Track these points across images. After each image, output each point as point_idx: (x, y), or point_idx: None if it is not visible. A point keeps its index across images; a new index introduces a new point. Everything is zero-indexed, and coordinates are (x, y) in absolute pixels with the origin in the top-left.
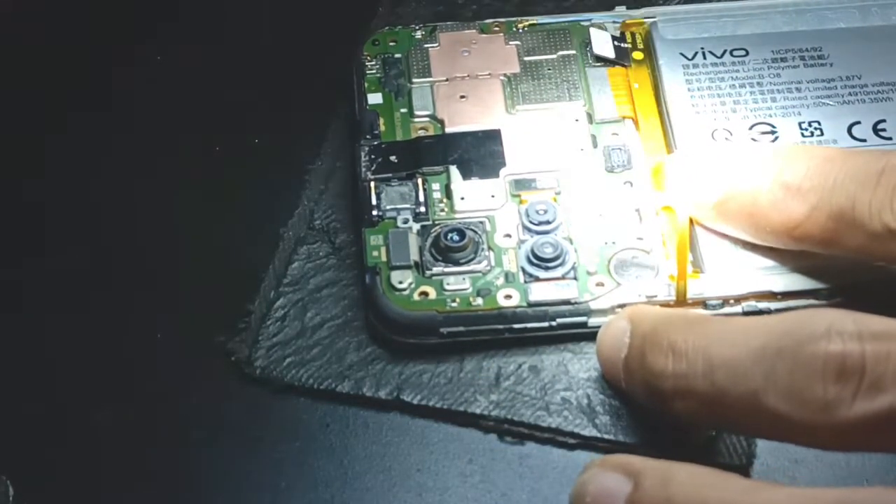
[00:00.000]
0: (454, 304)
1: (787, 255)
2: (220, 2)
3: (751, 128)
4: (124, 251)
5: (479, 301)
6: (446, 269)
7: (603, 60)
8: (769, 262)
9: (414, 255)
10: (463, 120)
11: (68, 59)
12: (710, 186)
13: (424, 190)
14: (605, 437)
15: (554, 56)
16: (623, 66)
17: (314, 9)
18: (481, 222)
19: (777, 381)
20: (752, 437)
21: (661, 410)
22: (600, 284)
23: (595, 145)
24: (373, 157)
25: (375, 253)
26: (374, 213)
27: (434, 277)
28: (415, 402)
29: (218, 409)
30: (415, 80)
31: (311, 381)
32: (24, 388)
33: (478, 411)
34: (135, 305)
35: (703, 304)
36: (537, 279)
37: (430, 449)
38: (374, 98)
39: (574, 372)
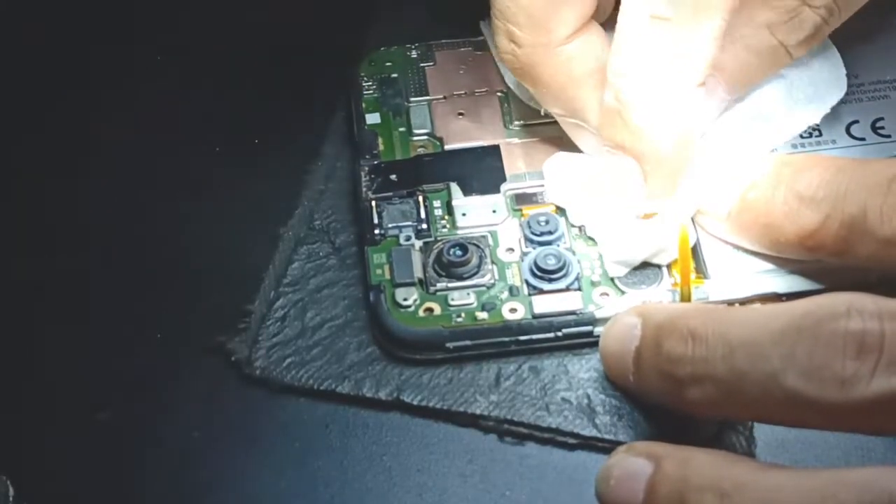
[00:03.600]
0: (459, 319)
1: (791, 258)
2: (220, 3)
3: None
4: (124, 251)
5: (485, 315)
6: (450, 285)
7: None
8: (772, 265)
9: (417, 272)
10: (462, 137)
11: (68, 59)
12: (723, 198)
13: (426, 207)
14: (605, 437)
15: None
16: None
17: (314, 9)
18: (483, 237)
19: (796, 360)
20: (766, 422)
21: (673, 401)
22: (605, 294)
23: None
24: (373, 176)
25: (379, 271)
26: (377, 231)
27: (438, 293)
28: (415, 402)
29: (218, 409)
30: (412, 98)
31: (311, 381)
32: (24, 387)
33: (478, 411)
34: (135, 305)
35: None
36: (541, 291)
37: (430, 449)
38: (373, 118)
39: (574, 372)
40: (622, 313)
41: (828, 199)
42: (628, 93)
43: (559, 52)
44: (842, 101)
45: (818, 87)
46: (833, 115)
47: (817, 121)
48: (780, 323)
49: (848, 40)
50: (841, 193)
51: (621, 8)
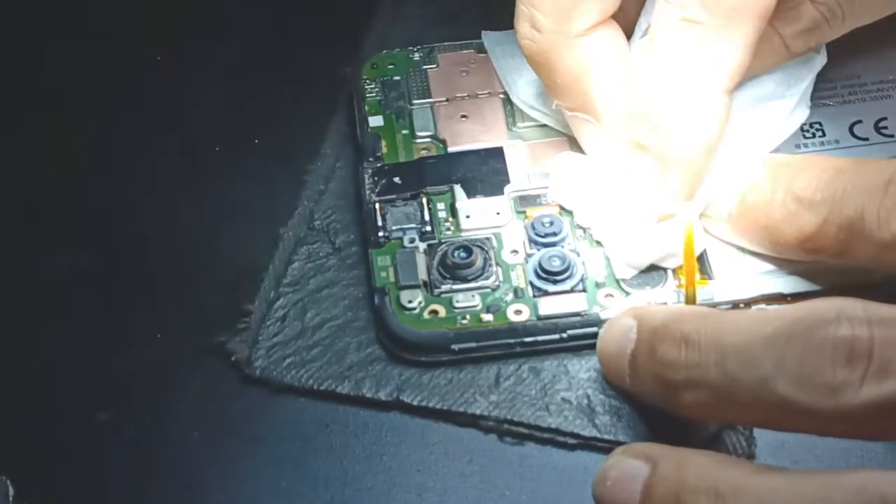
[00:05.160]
0: (465, 321)
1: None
2: (221, 3)
3: None
4: (124, 251)
5: (490, 317)
6: (455, 287)
7: None
8: (777, 266)
9: (422, 275)
10: (465, 139)
11: (68, 59)
12: (723, 200)
13: (429, 209)
14: (605, 437)
15: None
16: None
17: (315, 10)
18: (488, 239)
19: (787, 366)
20: (759, 427)
21: (668, 404)
22: (609, 296)
23: None
24: (376, 178)
25: (384, 273)
26: (381, 234)
27: (443, 295)
28: (415, 402)
29: (218, 409)
30: (415, 101)
31: (311, 381)
32: (24, 388)
33: (478, 412)
34: (135, 305)
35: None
36: (546, 293)
37: (430, 449)
38: (375, 121)
39: (574, 372)
40: (619, 315)
41: (825, 202)
42: (657, 95)
43: (578, 42)
44: (845, 101)
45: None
46: (836, 115)
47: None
48: (772, 329)
49: (851, 40)
50: (838, 196)
51: (655, 10)
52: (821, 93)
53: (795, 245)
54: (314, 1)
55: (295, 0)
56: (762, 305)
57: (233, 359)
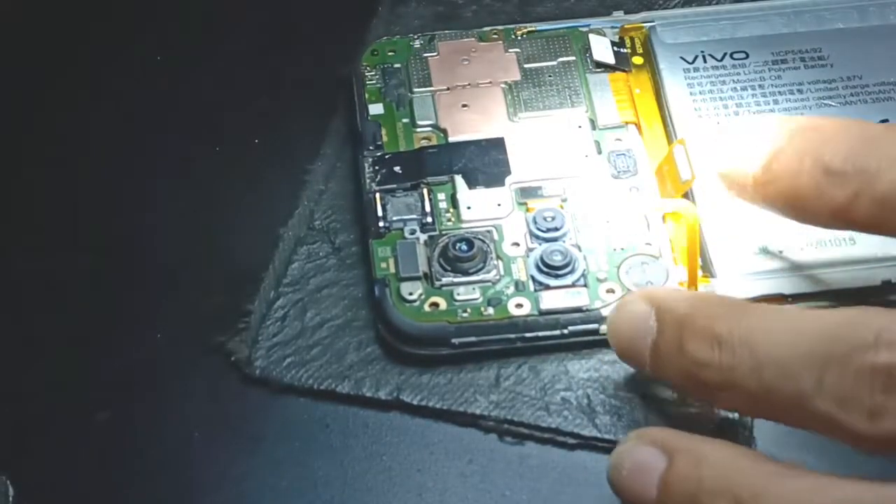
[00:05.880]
0: (465, 315)
1: (798, 258)
2: (220, 3)
3: None
4: (124, 251)
5: (490, 311)
6: (456, 280)
7: (603, 66)
8: (779, 265)
9: (423, 266)
10: (466, 129)
11: (68, 59)
12: (745, 164)
13: (430, 200)
14: (605, 437)
15: (554, 63)
16: (623, 71)
17: (314, 9)
18: (489, 231)
19: (825, 386)
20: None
21: (700, 397)
22: (611, 291)
23: (599, 151)
24: (377, 168)
25: (384, 265)
26: (381, 224)
27: (444, 288)
28: (415, 402)
29: (218, 409)
30: (415, 89)
31: (311, 381)
32: (24, 387)
33: (478, 411)
34: (135, 305)
35: None
36: (547, 287)
37: (430, 449)
38: (376, 108)
39: (574, 372)
40: (631, 298)
41: (857, 175)
42: None
43: None
44: (847, 102)
45: None
46: (839, 115)
47: None
48: (808, 346)
49: (852, 41)
50: (871, 169)
51: None
52: (822, 92)
53: (826, 216)
54: (314, 1)
55: (295, 0)
56: (780, 308)
57: (233, 359)
